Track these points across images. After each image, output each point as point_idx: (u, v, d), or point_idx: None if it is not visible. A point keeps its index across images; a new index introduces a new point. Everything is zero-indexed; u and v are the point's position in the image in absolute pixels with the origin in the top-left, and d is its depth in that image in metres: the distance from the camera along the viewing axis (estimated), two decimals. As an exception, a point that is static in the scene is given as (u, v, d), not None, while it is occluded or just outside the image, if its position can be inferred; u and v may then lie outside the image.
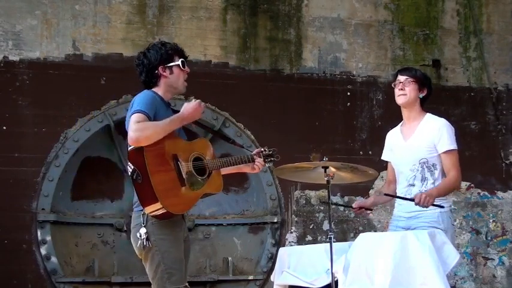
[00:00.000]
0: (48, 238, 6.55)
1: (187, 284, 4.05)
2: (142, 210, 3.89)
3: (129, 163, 3.86)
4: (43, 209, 6.57)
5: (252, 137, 7.15)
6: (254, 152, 4.42)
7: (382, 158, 4.86)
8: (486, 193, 7.64)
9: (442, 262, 4.04)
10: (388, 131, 4.87)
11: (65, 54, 6.78)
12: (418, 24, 7.74)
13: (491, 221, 7.61)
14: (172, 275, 3.91)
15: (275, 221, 7.09)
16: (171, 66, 4.09)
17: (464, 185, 7.46)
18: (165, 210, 3.81)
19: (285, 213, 7.16)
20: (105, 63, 6.82)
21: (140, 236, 3.89)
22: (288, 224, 7.15)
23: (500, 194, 7.68)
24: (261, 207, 7.22)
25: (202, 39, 7.13)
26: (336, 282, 4.18)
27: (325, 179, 4.41)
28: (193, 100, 4.07)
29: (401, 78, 4.63)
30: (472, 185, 7.59)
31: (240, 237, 7.25)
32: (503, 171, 7.74)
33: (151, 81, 4.11)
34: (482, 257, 7.54)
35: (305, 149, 7.14)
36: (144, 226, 3.89)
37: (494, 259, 7.56)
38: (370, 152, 7.31)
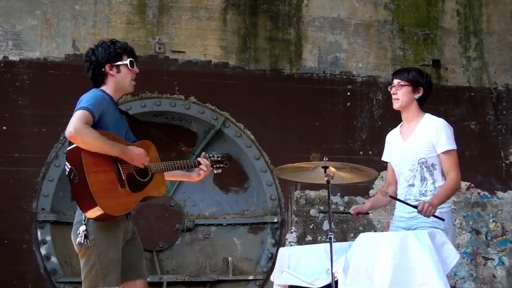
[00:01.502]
0: (48, 238, 6.55)
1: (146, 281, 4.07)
2: (82, 212, 3.89)
3: (66, 163, 3.85)
4: (43, 209, 6.57)
5: (252, 137, 7.15)
6: (200, 157, 4.35)
7: (383, 158, 4.86)
8: (486, 193, 7.64)
9: (442, 262, 4.04)
10: (388, 131, 4.87)
11: (65, 54, 6.78)
12: (418, 24, 7.74)
13: (491, 221, 7.61)
14: (106, 276, 3.89)
15: (275, 221, 7.09)
16: (119, 65, 4.08)
17: (464, 185, 7.46)
18: (104, 213, 3.78)
19: (285, 213, 7.16)
20: (105, 63, 6.81)
21: (79, 233, 3.89)
22: (288, 224, 7.15)
23: (500, 194, 7.68)
24: (261, 207, 7.22)
25: (202, 39, 7.13)
26: (336, 282, 4.18)
27: (325, 179, 4.41)
28: (143, 152, 3.99)
29: (394, 81, 4.64)
30: (472, 185, 7.58)
31: (240, 237, 7.25)
32: (503, 171, 7.74)
33: (98, 78, 4.10)
34: (482, 257, 7.54)
35: (305, 149, 7.14)
36: (85, 224, 3.89)
37: (494, 259, 7.56)
38: (370, 152, 7.31)
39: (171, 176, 4.28)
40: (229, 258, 7.03)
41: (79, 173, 3.77)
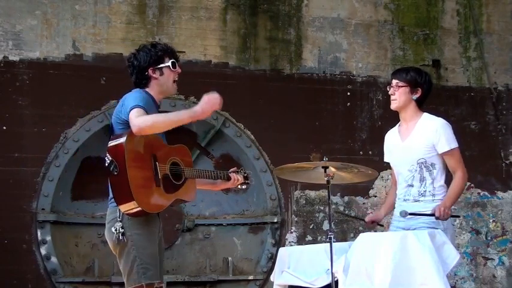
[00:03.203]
0: (48, 238, 6.55)
1: (162, 285, 4.05)
2: (117, 205, 3.90)
3: (107, 155, 3.84)
4: (43, 209, 6.57)
5: (252, 137, 7.15)
6: (231, 171, 4.41)
7: (385, 160, 4.86)
8: (486, 193, 7.64)
9: (442, 262, 4.04)
10: (388, 131, 4.87)
11: (65, 54, 6.78)
12: (418, 24, 7.74)
13: (491, 221, 7.61)
14: (148, 270, 3.90)
15: (275, 221, 7.09)
16: (161, 67, 4.11)
17: (464, 185, 7.46)
18: (139, 209, 3.80)
19: (285, 213, 7.16)
20: (105, 63, 6.82)
21: (116, 230, 3.89)
22: (288, 224, 7.15)
23: (500, 194, 7.68)
24: (261, 207, 7.22)
25: (202, 39, 7.13)
26: (336, 282, 4.18)
27: (325, 179, 4.41)
28: (215, 95, 4.03)
29: (393, 82, 4.63)
30: (472, 185, 7.58)
31: (240, 237, 7.25)
32: (503, 171, 7.74)
33: (141, 82, 4.12)
34: (482, 257, 7.54)
35: (305, 149, 7.14)
36: (120, 221, 3.89)
37: (494, 259, 7.56)
38: (370, 152, 7.31)
39: (202, 186, 4.32)
40: (229, 258, 7.03)
41: (119, 166, 3.78)
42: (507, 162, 7.75)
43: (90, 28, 6.85)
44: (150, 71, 4.09)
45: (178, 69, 4.18)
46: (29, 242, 6.53)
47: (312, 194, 7.19)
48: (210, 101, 4.02)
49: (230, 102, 7.07)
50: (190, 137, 7.16)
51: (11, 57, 6.64)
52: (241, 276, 7.06)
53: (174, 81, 4.19)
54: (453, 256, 4.13)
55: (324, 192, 7.03)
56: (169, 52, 4.18)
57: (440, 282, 3.92)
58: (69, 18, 6.82)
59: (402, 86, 4.57)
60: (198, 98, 6.97)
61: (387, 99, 4.78)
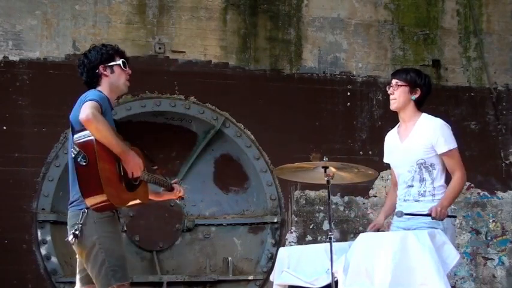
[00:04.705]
0: (48, 238, 6.55)
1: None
2: (82, 209, 3.90)
3: (74, 146, 3.82)
4: (43, 209, 6.57)
5: (252, 137, 7.15)
6: (173, 182, 4.45)
7: (384, 160, 4.86)
8: (486, 193, 7.64)
9: (442, 262, 4.04)
10: (388, 131, 4.87)
11: (65, 54, 6.78)
12: (418, 24, 7.74)
13: (491, 221, 7.61)
14: (117, 272, 3.89)
15: (275, 221, 7.09)
16: (112, 65, 4.12)
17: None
18: (107, 202, 3.78)
19: (285, 213, 7.16)
20: (105, 63, 6.81)
21: (78, 234, 3.90)
22: (288, 224, 7.15)
23: (500, 194, 7.68)
24: (261, 207, 7.22)
25: (202, 39, 7.13)
26: (336, 282, 4.18)
27: (325, 179, 4.41)
28: (141, 164, 3.98)
29: (392, 82, 4.64)
30: (472, 185, 7.58)
31: (240, 237, 7.25)
32: (503, 171, 7.74)
33: (92, 80, 4.12)
34: (482, 257, 7.54)
35: (305, 149, 7.14)
36: (81, 224, 3.90)
37: (494, 259, 7.56)
38: (370, 152, 7.31)
39: (151, 196, 4.31)
40: (229, 258, 7.03)
41: (89, 156, 3.76)
42: (507, 162, 7.75)
43: (90, 28, 6.86)
44: (100, 68, 4.10)
45: (128, 70, 4.20)
46: (29, 242, 6.53)
47: (312, 194, 7.19)
48: (136, 166, 3.95)
49: (230, 102, 7.12)
50: (190, 137, 7.18)
51: (11, 57, 6.64)
52: (241, 276, 7.06)
53: (126, 80, 4.19)
54: (453, 256, 4.13)
55: (324, 192, 7.03)
56: (120, 52, 4.21)
57: (440, 282, 3.92)
58: (69, 18, 6.82)
59: (402, 86, 4.58)
60: (198, 98, 7.11)
61: (387, 99, 4.77)
